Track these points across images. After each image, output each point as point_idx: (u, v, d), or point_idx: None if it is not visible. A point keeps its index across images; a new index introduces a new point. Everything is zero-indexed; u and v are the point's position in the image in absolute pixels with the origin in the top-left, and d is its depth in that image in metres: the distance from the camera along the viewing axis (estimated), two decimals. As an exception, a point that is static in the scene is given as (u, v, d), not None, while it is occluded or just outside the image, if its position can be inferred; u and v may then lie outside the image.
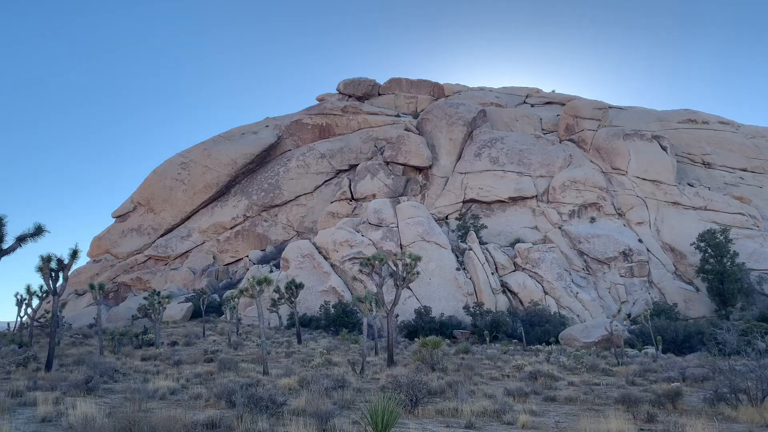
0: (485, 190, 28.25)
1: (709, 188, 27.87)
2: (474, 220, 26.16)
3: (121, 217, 35.48)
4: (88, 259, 34.59)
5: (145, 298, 18.68)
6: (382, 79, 45.86)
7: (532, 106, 38.90)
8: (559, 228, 26.13)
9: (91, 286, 15.09)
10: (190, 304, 25.74)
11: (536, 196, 28.14)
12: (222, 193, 35.68)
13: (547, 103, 39.21)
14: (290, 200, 34.09)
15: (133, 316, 22.58)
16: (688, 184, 28.22)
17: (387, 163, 32.44)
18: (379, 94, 45.35)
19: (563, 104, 36.38)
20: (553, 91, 40.61)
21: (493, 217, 27.78)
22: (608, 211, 26.56)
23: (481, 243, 23.73)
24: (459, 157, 32.26)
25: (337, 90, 46.35)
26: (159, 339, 16.77)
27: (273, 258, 29.40)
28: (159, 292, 18.76)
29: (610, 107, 33.72)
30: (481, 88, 43.05)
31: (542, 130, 35.45)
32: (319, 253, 23.74)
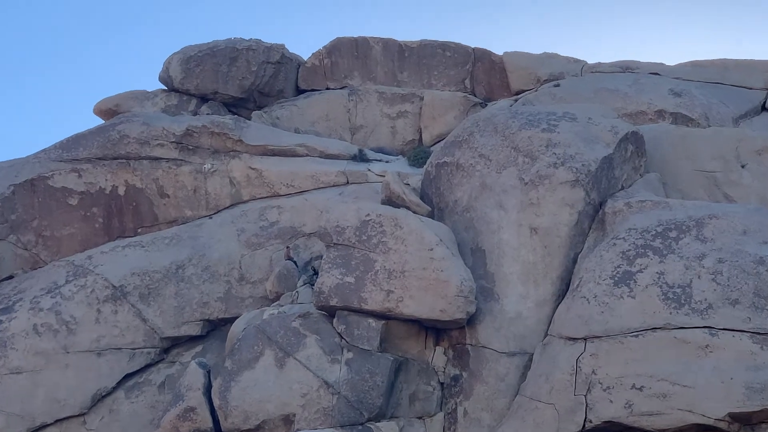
0: (660, 396, 21.93)
1: None
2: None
3: None
4: None
5: None
6: (306, 43, 39.50)
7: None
8: None
9: None
10: None
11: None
12: None
13: None
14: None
15: None
16: None
17: (331, 313, 26.28)
18: (299, 90, 40.28)
19: None
20: None
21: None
22: None
23: None
24: (563, 288, 25.79)
25: (163, 80, 39.58)
26: None
27: None
28: None
29: None
30: (629, 67, 36.76)
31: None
32: None
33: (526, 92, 36.33)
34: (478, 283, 25.69)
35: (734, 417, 20.99)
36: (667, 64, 37.40)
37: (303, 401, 24.29)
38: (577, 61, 38.53)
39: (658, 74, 36.09)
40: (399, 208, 27.10)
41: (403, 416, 24.76)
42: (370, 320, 25.38)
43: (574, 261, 25.91)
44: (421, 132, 36.75)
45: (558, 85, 35.21)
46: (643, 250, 23.87)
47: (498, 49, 39.06)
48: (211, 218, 31.46)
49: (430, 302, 24.95)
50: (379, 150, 35.41)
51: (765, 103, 33.94)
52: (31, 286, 29.27)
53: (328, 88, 39.02)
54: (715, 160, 29.09)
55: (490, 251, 26.47)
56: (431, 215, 27.75)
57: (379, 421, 24.28)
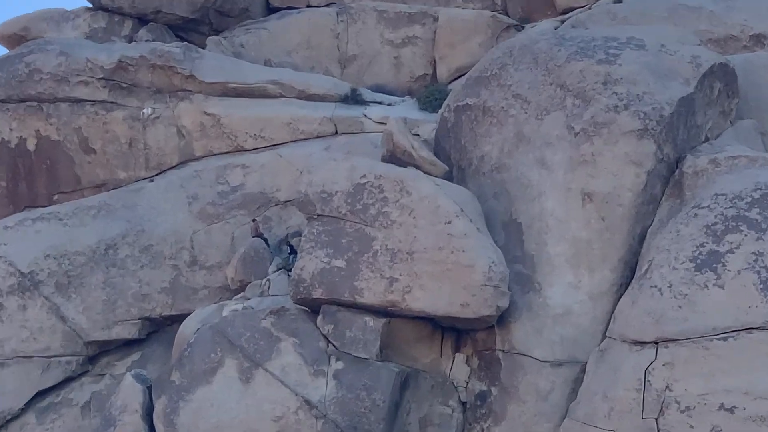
0: (758, 419, 21.94)
1: None
2: None
3: None
4: None
5: None
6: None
7: None
8: None
9: None
10: None
11: None
12: None
13: None
14: None
15: None
16: None
17: (314, 308, 26.49)
18: (270, 8, 40.69)
19: None
20: None
21: None
22: None
23: None
24: (626, 275, 26.01)
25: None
26: None
27: None
28: None
29: None
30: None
31: None
32: None
33: (577, 10, 36.08)
34: (513, 267, 25.69)
35: None
36: (768, -30, 37.05)
37: (277, 427, 24.35)
38: (645, -33, 38.20)
39: (757, -16, 35.73)
40: (406, 167, 27.05)
41: (412, 447, 24.80)
42: (367, 318, 25.39)
43: (642, 238, 25.90)
44: (435, 64, 36.76)
45: (620, 1, 34.85)
46: (734, 224, 23.75)
47: (539, -48, 38.92)
48: (152, 181, 31.45)
49: (447, 294, 24.93)
50: (379, 89, 35.52)
51: None
52: None
53: (309, 6, 38.91)
54: (832, 102, 28.73)
55: (528, 225, 26.51)
56: (449, 176, 27.70)
57: (378, 454, 24.35)
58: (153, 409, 24.97)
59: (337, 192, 26.15)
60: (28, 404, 27.33)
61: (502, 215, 26.96)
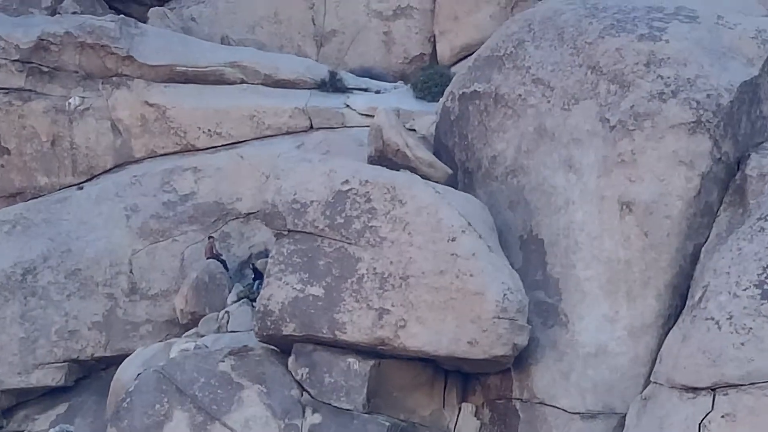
0: None
1: None
2: None
3: None
4: None
5: None
6: None
7: None
8: None
9: None
10: None
11: None
12: None
13: None
14: None
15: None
16: None
17: (285, 348, 26.53)
18: None
19: None
20: None
21: None
22: None
23: None
24: (675, 305, 25.95)
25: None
26: None
27: None
28: None
29: None
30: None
31: None
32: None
33: (612, -27, 35.71)
34: (533, 295, 25.47)
35: None
36: None
37: (238, 496, 24.40)
38: None
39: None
40: (398, 169, 26.72)
41: None
42: (352, 360, 25.13)
43: (695, 258, 25.53)
44: (434, 42, 36.99)
45: (665, -41, 34.53)
46: (811, 240, 23.91)
47: None
48: (81, 189, 31.21)
49: (451, 329, 24.65)
50: (365, 72, 35.48)
51: None
52: None
53: (277, -31, 38.68)
54: None
55: (552, 242, 26.26)
56: (452, 182, 27.44)
57: None
58: (82, 476, 24.51)
59: (312, 202, 25.86)
60: (-72, 470, 27.30)
61: (520, 230, 26.92)
